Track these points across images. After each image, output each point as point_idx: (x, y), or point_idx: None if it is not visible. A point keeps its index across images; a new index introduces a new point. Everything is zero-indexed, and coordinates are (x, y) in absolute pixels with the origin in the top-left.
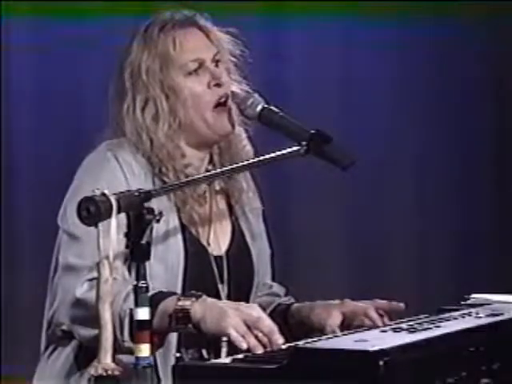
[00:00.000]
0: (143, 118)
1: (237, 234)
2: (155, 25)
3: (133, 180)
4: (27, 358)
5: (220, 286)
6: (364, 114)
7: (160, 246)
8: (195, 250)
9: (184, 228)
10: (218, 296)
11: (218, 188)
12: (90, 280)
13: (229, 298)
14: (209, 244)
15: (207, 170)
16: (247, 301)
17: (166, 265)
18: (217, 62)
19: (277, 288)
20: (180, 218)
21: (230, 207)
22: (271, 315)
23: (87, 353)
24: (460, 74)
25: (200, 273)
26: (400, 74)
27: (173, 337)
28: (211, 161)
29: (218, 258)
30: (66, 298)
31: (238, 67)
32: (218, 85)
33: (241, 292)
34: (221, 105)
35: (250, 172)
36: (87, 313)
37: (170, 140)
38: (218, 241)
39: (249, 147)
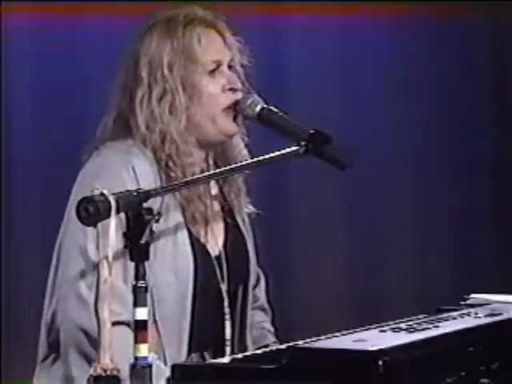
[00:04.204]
0: (160, 108)
1: (231, 233)
2: (178, 20)
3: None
4: (28, 362)
5: (222, 285)
6: (364, 115)
7: (168, 252)
8: (200, 253)
9: (188, 229)
10: (220, 295)
11: (213, 193)
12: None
13: (228, 295)
14: (207, 243)
15: (202, 172)
16: (245, 294)
17: (176, 272)
18: (230, 68)
19: (262, 300)
20: (185, 218)
21: (223, 211)
22: None
23: None
24: (460, 75)
25: (206, 276)
26: (400, 74)
27: (184, 339)
28: (207, 164)
29: (218, 258)
30: (74, 331)
31: (244, 75)
32: (233, 89)
33: (238, 288)
34: (230, 108)
35: (245, 178)
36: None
37: (181, 136)
38: (215, 240)
39: (245, 152)
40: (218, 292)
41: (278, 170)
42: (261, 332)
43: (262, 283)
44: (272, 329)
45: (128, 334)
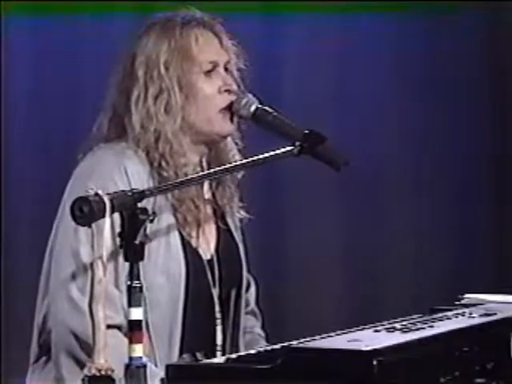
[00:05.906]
0: (155, 107)
1: (223, 237)
2: (176, 20)
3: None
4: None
5: (213, 290)
6: (361, 115)
7: (161, 255)
8: (192, 257)
9: (180, 232)
10: (211, 300)
11: (206, 197)
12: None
13: (220, 300)
14: (199, 247)
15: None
16: (238, 299)
17: (168, 275)
18: (226, 70)
19: (253, 304)
20: (176, 220)
21: (215, 215)
22: None
23: None
24: (460, 74)
25: (197, 280)
26: (398, 73)
27: (175, 343)
28: (201, 167)
29: (210, 262)
30: (65, 334)
31: (240, 79)
32: (229, 91)
33: (230, 293)
34: (226, 109)
35: (238, 183)
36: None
37: (175, 136)
38: (207, 244)
39: (238, 156)
40: (209, 297)
41: (274, 170)
42: (252, 337)
43: (253, 288)
44: (263, 333)
45: (119, 337)
